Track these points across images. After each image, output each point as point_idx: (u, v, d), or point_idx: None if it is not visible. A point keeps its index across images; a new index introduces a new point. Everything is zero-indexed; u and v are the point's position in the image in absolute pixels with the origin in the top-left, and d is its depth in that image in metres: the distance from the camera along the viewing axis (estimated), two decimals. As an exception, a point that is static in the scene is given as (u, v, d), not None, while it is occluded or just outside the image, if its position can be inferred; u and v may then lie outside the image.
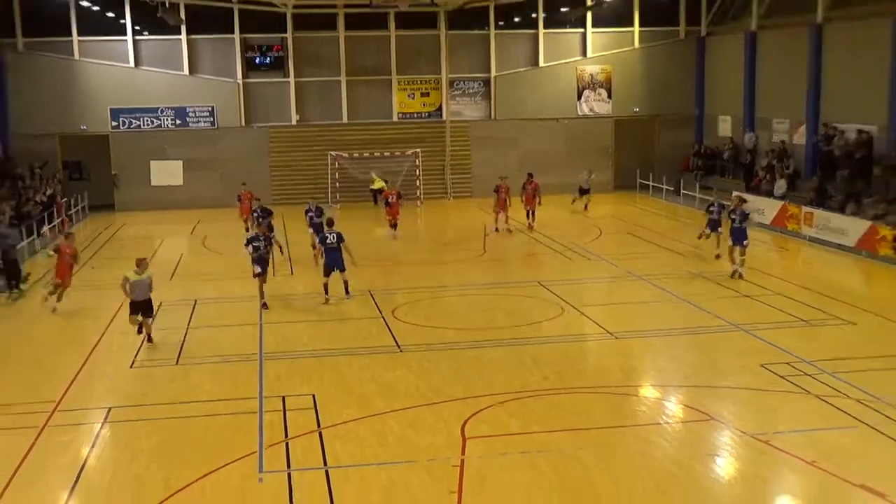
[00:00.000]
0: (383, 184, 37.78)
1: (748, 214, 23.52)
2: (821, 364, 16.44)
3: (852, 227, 27.74)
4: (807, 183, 33.22)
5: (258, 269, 21.39)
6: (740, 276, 23.18)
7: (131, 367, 17.89)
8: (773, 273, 25.24)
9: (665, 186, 40.66)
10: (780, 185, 34.08)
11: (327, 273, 21.80)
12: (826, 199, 30.71)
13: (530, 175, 33.14)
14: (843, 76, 33.06)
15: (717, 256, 26.12)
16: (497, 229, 32.38)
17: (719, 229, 25.93)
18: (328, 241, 21.78)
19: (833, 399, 14.81)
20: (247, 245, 22.05)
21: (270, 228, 24.89)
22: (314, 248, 24.71)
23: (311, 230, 27.49)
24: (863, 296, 21.49)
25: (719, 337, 18.74)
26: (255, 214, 28.34)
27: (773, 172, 35.23)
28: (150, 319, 18.78)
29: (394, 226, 31.82)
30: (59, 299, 21.70)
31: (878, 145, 30.77)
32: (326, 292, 21.90)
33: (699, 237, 26.82)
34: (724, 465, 12.96)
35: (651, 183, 41.47)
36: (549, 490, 11.85)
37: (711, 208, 26.37)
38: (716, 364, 17.22)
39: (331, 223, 22.50)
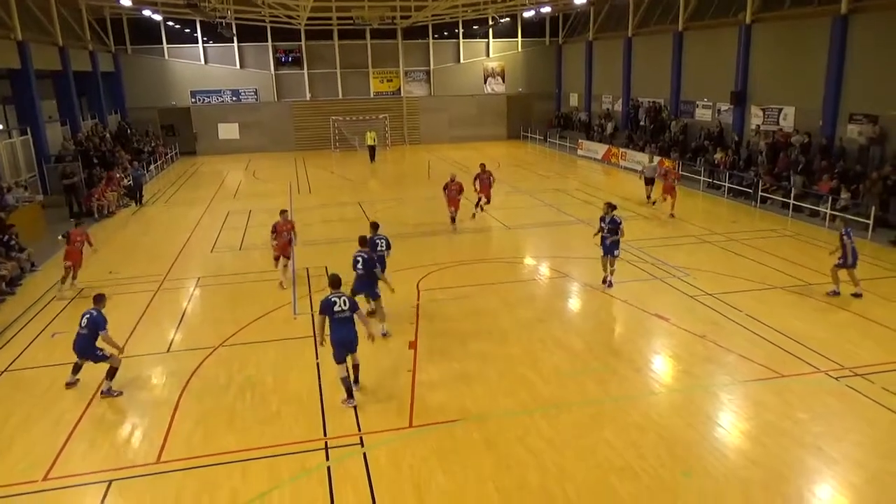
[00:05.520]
0: (374, 136, 35.64)
1: (619, 223, 13.13)
2: (631, 242, 16.66)
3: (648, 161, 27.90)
4: (622, 134, 33.23)
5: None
6: (610, 285, 13.39)
7: (211, 251, 17.55)
8: (602, 188, 25.39)
9: (538, 136, 40.51)
10: (606, 136, 34.04)
11: (340, 357, 8.86)
12: (633, 144, 30.80)
13: (483, 165, 20.40)
14: (643, 70, 32.81)
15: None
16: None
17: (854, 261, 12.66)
18: (336, 306, 8.71)
19: (637, 263, 15.09)
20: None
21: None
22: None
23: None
24: (657, 202, 21.70)
25: (570, 228, 18.88)
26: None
27: (602, 128, 35.15)
28: None
29: (452, 219, 18.89)
30: (69, 283, 14.00)
31: (664, 111, 30.83)
32: (350, 396, 8.93)
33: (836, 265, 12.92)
34: (575, 303, 13.21)
35: (529, 134, 41.25)
36: (469, 316, 12.01)
37: (845, 232, 12.60)
38: (568, 244, 17.37)
39: (336, 283, 8.98)
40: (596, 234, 13.57)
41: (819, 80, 21.43)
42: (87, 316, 9.41)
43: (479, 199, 19.89)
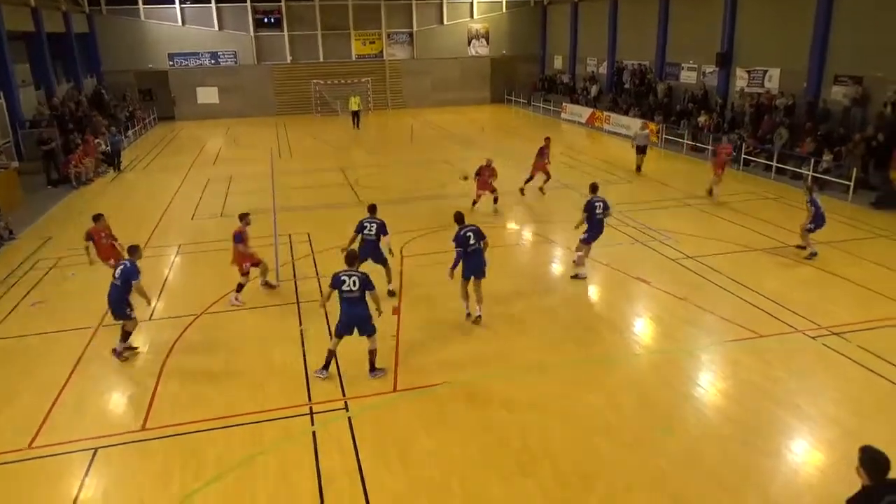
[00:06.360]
0: (358, 101, 33.65)
1: (594, 205, 11.87)
2: (614, 206, 16.68)
3: (633, 125, 27.79)
4: (606, 97, 33.03)
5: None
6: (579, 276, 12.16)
7: (192, 218, 17.39)
8: (585, 152, 25.33)
9: (522, 100, 40.17)
10: (590, 99, 33.85)
11: (338, 332, 8.66)
12: (617, 107, 30.66)
13: (548, 138, 18.90)
14: (629, 32, 32.51)
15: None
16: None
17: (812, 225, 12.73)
18: (345, 286, 8.36)
19: (620, 227, 15.12)
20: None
21: None
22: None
23: None
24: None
25: (556, 192, 18.77)
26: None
27: (587, 91, 34.90)
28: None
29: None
30: None
31: (649, 73, 30.68)
32: (325, 368, 8.77)
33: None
34: (558, 267, 13.25)
35: (513, 98, 40.92)
36: (453, 281, 11.96)
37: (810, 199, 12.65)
38: (552, 210, 17.36)
39: (351, 260, 8.62)
40: (577, 227, 12.17)
41: (805, 41, 21.35)
42: (122, 267, 9.30)
43: (546, 179, 18.43)
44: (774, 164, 19.92)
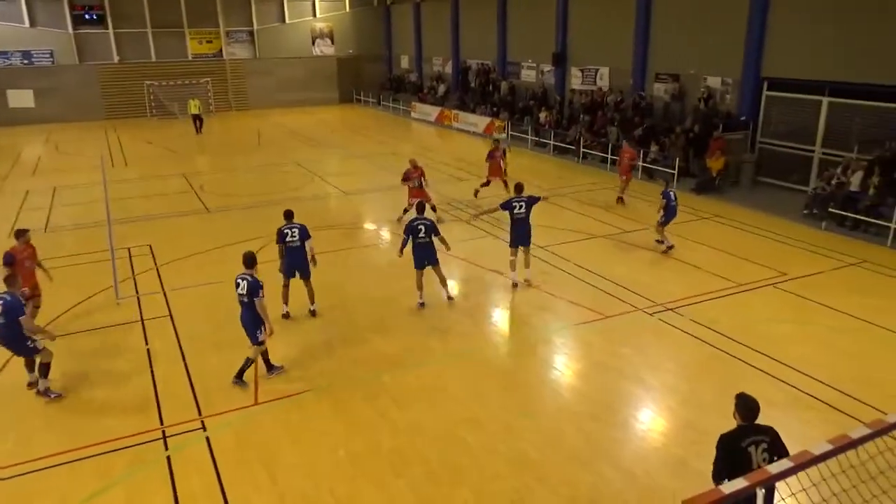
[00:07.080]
0: (198, 104, 30.93)
1: (513, 204, 11.34)
2: (465, 200, 17.22)
3: (480, 122, 28.77)
4: (454, 96, 33.87)
5: None
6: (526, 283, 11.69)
7: (9, 236, 15.52)
8: (436, 150, 25.80)
9: (371, 99, 40.24)
10: (438, 98, 34.56)
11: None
12: (465, 106, 31.54)
13: (497, 140, 18.33)
14: (471, 32, 33.61)
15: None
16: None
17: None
18: (238, 288, 8.38)
19: (475, 222, 15.58)
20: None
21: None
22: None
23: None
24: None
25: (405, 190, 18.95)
26: None
27: (434, 90, 35.59)
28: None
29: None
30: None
31: (493, 72, 31.90)
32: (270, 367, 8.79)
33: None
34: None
35: (361, 97, 40.88)
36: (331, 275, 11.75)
37: (664, 193, 13.35)
38: (400, 207, 17.48)
39: (247, 262, 8.53)
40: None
41: (629, 42, 23.24)
42: (1, 302, 7.94)
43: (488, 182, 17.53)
44: (609, 156, 21.49)
